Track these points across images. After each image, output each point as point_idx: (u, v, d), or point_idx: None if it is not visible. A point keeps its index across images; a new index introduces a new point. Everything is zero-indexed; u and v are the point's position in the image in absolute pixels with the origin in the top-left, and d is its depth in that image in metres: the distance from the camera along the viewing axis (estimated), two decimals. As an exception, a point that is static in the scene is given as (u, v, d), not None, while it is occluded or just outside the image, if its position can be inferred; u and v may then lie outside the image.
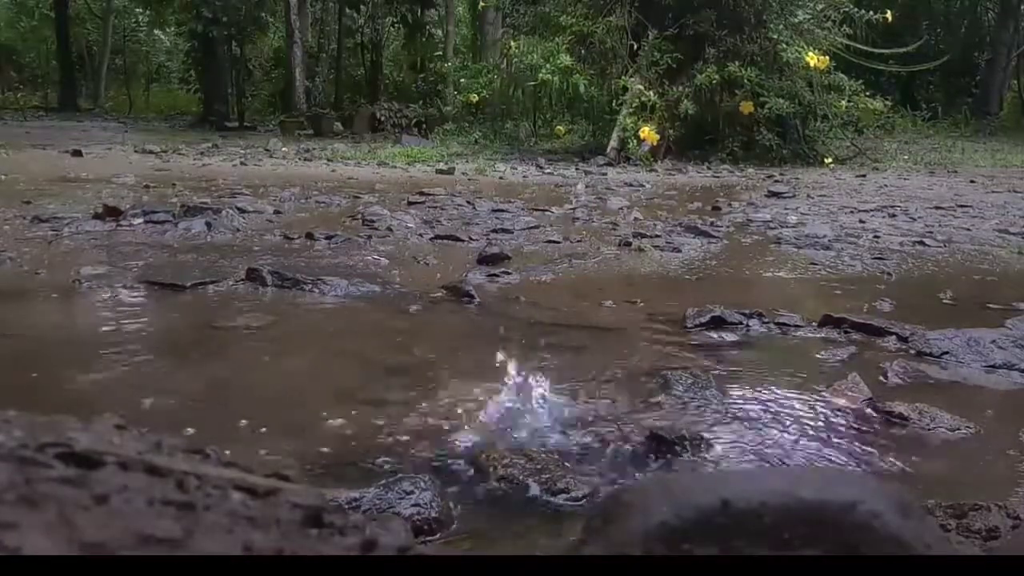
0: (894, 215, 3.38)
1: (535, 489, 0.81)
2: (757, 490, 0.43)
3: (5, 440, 0.37)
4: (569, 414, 1.04)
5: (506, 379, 1.17)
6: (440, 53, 10.76)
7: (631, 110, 6.07)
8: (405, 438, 0.96)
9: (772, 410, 1.08)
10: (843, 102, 6.17)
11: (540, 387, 1.13)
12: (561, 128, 7.84)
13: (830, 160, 6.19)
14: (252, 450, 0.91)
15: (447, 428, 1.00)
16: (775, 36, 6.11)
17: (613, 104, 6.43)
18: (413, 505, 0.73)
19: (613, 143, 6.12)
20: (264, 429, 0.98)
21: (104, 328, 1.45)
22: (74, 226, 2.52)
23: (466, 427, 1.00)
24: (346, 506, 0.70)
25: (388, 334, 1.49)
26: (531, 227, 2.81)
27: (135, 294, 1.70)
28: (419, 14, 10.51)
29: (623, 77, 6.31)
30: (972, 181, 5.08)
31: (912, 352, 1.36)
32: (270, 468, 0.44)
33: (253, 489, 0.40)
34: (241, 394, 1.14)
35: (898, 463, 0.93)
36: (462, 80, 8.50)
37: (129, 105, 15.02)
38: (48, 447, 0.38)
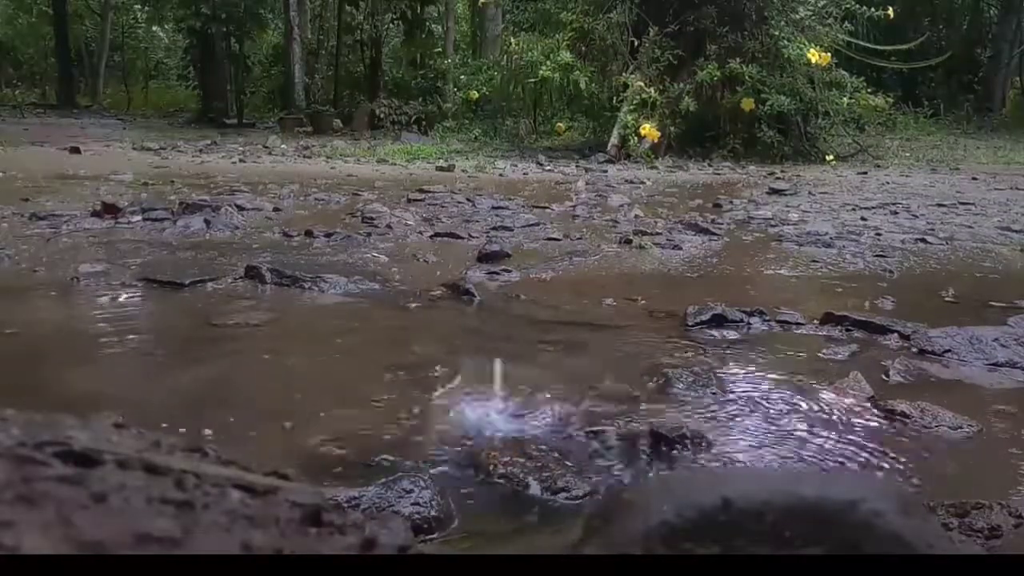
0: (896, 212, 3.37)
1: (535, 488, 0.81)
2: (758, 489, 0.43)
3: (3, 438, 0.37)
4: (569, 412, 1.04)
5: (506, 377, 1.17)
6: (440, 50, 10.72)
7: (632, 107, 6.06)
8: (405, 436, 0.96)
9: (773, 408, 1.08)
10: (845, 99, 6.16)
11: (540, 385, 1.13)
12: (561, 125, 7.83)
13: (832, 157, 6.18)
14: (251, 448, 0.90)
15: (447, 426, 0.99)
16: (776, 33, 6.09)
17: (614, 101, 6.41)
18: (413, 504, 0.73)
19: (614, 140, 6.10)
20: (263, 427, 0.98)
21: (102, 326, 1.45)
22: (72, 223, 2.51)
23: (466, 425, 1.00)
24: (345, 505, 0.69)
25: (388, 332, 1.48)
26: (531, 224, 2.80)
27: (133, 292, 1.70)
28: (419, 10, 10.47)
29: (624, 74, 6.29)
30: (974, 178, 5.07)
31: (914, 350, 1.36)
32: (269, 466, 0.44)
33: (252, 487, 0.39)
34: (240, 392, 1.13)
35: (900, 461, 0.92)
36: (462, 77, 8.47)
37: (128, 102, 14.98)
38: (46, 445, 0.37)
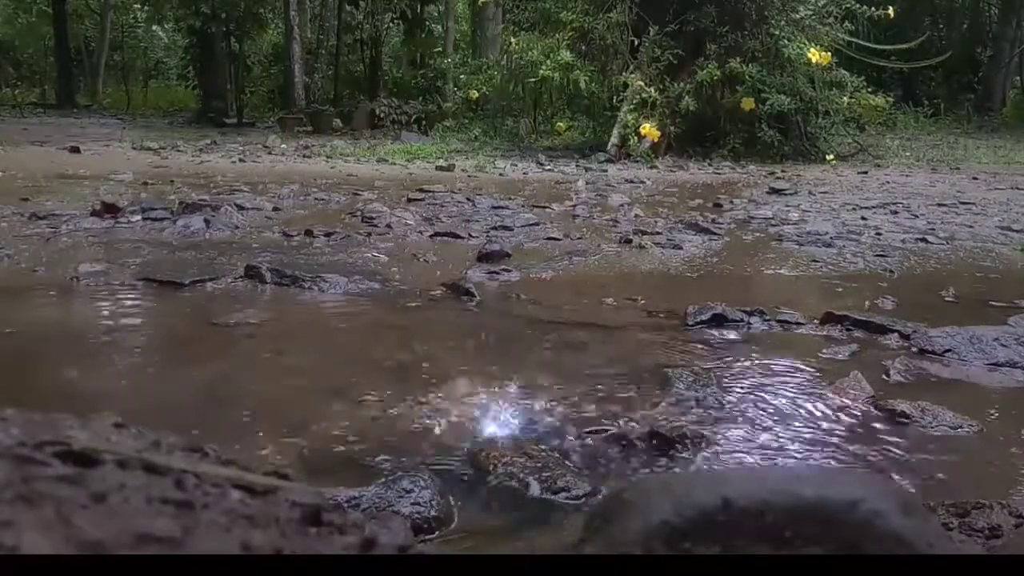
0: (896, 212, 3.37)
1: (535, 487, 0.81)
2: (758, 489, 0.43)
3: (3, 438, 0.37)
4: (569, 412, 1.04)
5: (506, 377, 1.17)
6: (440, 49, 10.72)
7: (632, 106, 6.05)
8: (405, 436, 0.96)
9: (773, 408, 1.08)
10: (845, 98, 6.15)
11: (540, 385, 1.13)
12: (562, 125, 7.82)
13: (832, 157, 6.18)
14: (250, 448, 0.90)
15: (447, 426, 0.99)
16: (776, 32, 6.09)
17: (614, 100, 6.41)
18: (413, 504, 0.73)
19: (614, 140, 6.10)
20: (263, 427, 0.98)
21: (102, 326, 1.44)
22: (72, 223, 2.51)
23: (466, 425, 1.00)
24: (345, 504, 0.69)
25: (388, 332, 1.48)
26: (531, 224, 2.80)
27: (133, 291, 1.70)
28: (418, 10, 10.46)
29: (624, 73, 6.29)
30: (974, 178, 5.06)
31: (914, 350, 1.36)
32: (269, 466, 0.44)
33: (251, 487, 0.39)
34: (240, 392, 1.13)
35: (900, 461, 0.92)
36: (462, 76, 8.47)
37: (127, 102, 14.97)
38: (46, 445, 0.37)
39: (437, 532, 0.72)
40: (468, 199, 3.43)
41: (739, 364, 1.27)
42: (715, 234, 2.67)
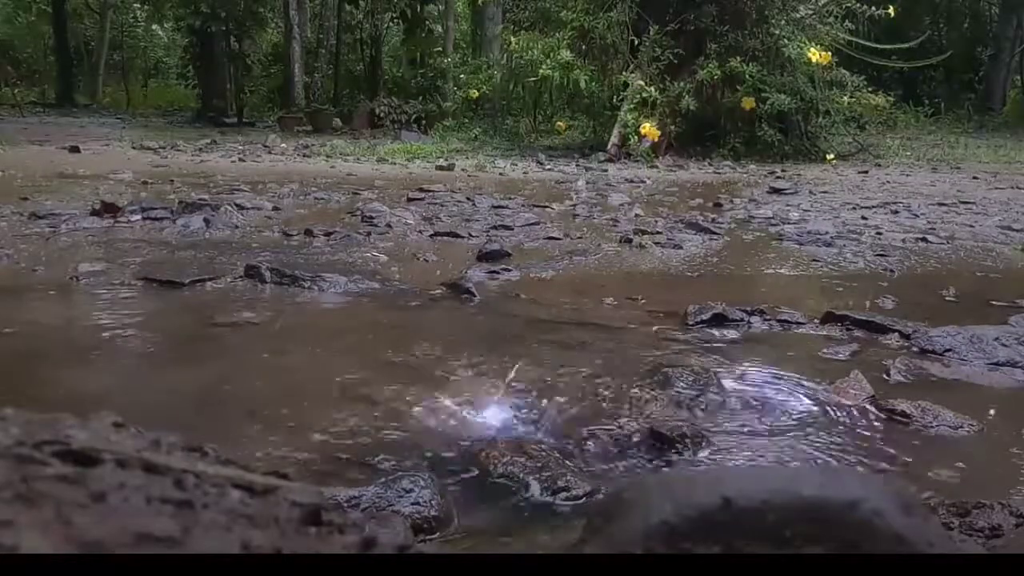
0: (896, 211, 3.37)
1: (535, 487, 0.81)
2: (758, 488, 0.43)
3: (3, 438, 0.37)
4: (569, 412, 1.04)
5: (506, 376, 1.17)
6: (440, 49, 10.72)
7: (632, 106, 6.06)
8: (405, 436, 0.96)
9: (774, 408, 1.08)
10: (845, 98, 6.16)
11: (540, 384, 1.13)
12: (562, 124, 7.82)
13: (832, 156, 6.18)
14: (250, 448, 0.90)
15: (447, 426, 0.99)
16: (777, 31, 6.09)
17: (614, 100, 6.41)
18: (413, 503, 0.73)
19: (614, 139, 6.10)
20: (263, 427, 0.98)
21: (102, 325, 1.44)
22: (71, 222, 2.51)
23: (466, 424, 1.00)
24: (345, 504, 0.69)
25: (387, 331, 1.48)
26: (531, 224, 2.80)
27: (133, 291, 1.70)
28: (418, 9, 10.46)
29: (624, 73, 6.29)
30: (975, 177, 5.06)
31: (915, 349, 1.36)
32: (269, 466, 0.44)
33: (251, 487, 0.39)
34: (240, 391, 1.13)
35: (900, 461, 0.92)
36: (462, 76, 8.48)
37: (127, 101, 14.98)
38: (45, 444, 0.37)
39: (437, 532, 0.72)
40: (468, 198, 3.43)
41: (739, 364, 1.27)
42: (715, 233, 2.67)
